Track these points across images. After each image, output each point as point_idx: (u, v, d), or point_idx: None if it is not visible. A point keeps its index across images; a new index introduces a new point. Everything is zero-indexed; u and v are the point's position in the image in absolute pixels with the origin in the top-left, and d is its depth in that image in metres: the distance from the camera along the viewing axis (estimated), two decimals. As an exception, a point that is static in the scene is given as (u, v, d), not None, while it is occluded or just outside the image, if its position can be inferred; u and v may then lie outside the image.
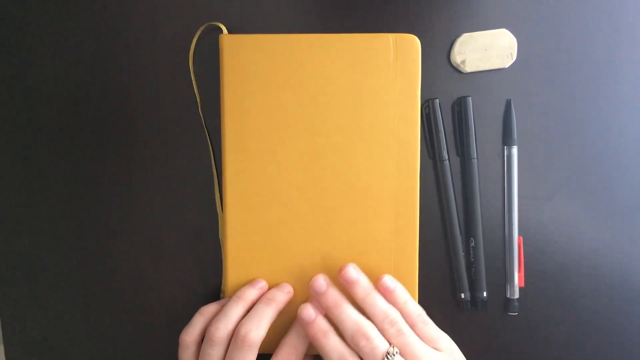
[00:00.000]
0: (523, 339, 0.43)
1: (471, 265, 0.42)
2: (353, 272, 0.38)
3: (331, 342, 0.36)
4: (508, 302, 0.43)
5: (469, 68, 0.41)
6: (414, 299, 0.40)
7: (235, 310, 0.38)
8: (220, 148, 0.41)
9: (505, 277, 0.43)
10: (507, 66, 0.41)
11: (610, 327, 0.43)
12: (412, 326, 0.37)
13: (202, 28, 0.42)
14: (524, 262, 0.43)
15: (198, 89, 0.42)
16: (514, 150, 0.42)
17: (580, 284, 0.43)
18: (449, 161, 0.42)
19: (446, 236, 0.42)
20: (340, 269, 0.38)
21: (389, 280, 0.38)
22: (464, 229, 0.43)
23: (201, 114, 0.43)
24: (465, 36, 0.41)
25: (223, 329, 0.37)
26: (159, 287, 0.44)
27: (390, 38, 0.40)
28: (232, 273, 0.41)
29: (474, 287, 0.42)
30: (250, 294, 0.39)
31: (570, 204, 0.43)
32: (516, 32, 0.41)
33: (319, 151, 0.40)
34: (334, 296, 0.37)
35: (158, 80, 0.43)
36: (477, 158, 0.42)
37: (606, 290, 0.43)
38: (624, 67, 0.42)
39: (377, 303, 0.37)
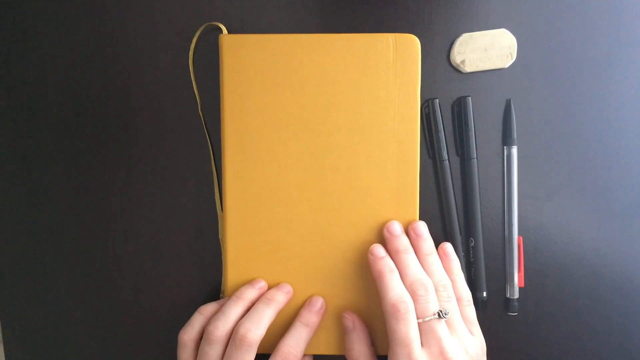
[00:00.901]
0: (523, 339, 0.43)
1: (471, 265, 0.42)
2: (424, 229, 0.40)
3: (395, 280, 0.37)
4: (508, 302, 0.43)
5: (468, 68, 0.41)
6: None
7: (234, 310, 0.38)
8: (220, 148, 0.41)
9: (505, 277, 0.43)
10: (507, 66, 0.41)
11: (610, 327, 0.43)
12: (458, 300, 0.39)
13: (201, 28, 0.42)
14: (524, 262, 0.43)
15: (198, 89, 0.42)
16: (514, 150, 0.42)
17: (580, 284, 0.43)
18: (449, 161, 0.42)
19: (446, 236, 0.42)
20: (413, 223, 0.40)
21: (449, 248, 0.40)
22: (464, 229, 0.43)
23: (201, 114, 0.43)
24: (465, 36, 0.41)
25: (222, 328, 0.37)
26: (159, 287, 0.44)
27: (390, 38, 0.40)
28: (232, 273, 0.41)
29: (474, 287, 0.42)
30: (249, 293, 0.39)
31: (570, 204, 0.43)
32: (516, 32, 0.41)
33: (318, 151, 0.40)
34: (405, 242, 0.39)
35: (158, 80, 0.43)
36: (477, 158, 0.42)
37: (606, 290, 0.43)
38: (624, 67, 0.42)
39: (437, 264, 0.39)
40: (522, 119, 0.42)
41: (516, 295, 0.43)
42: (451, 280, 0.39)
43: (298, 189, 0.40)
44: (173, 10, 0.42)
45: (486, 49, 0.41)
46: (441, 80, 0.42)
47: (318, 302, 0.40)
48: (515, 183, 0.42)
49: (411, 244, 0.39)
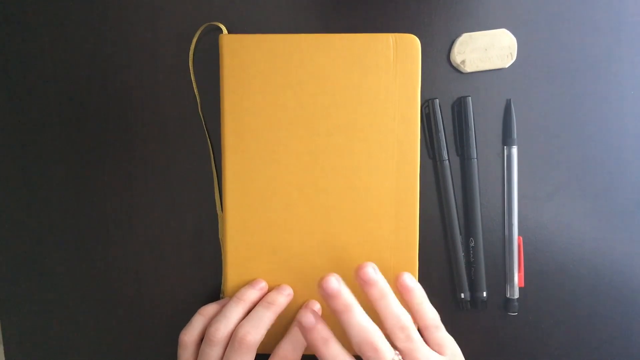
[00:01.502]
0: (523, 339, 0.43)
1: (471, 265, 0.42)
2: (372, 273, 0.36)
3: (331, 351, 0.34)
4: (508, 302, 0.43)
5: (468, 68, 0.41)
6: None
7: (235, 312, 0.38)
8: (220, 148, 0.41)
9: (505, 277, 0.43)
10: (507, 66, 0.41)
11: (610, 327, 0.43)
12: (424, 329, 0.37)
13: (201, 28, 0.42)
14: (524, 262, 0.43)
15: (198, 89, 0.42)
16: (514, 150, 0.42)
17: (580, 284, 0.43)
18: (449, 161, 0.42)
19: (446, 236, 0.42)
20: (358, 268, 0.36)
21: (408, 279, 0.39)
22: (463, 229, 0.43)
23: (201, 114, 0.43)
24: (465, 36, 0.41)
25: (222, 330, 0.37)
26: (159, 287, 0.44)
27: (390, 38, 0.40)
28: (232, 273, 0.41)
29: (473, 287, 0.42)
30: (250, 294, 0.39)
31: (570, 204, 0.43)
32: (516, 32, 0.41)
33: (318, 151, 0.40)
34: (345, 299, 0.35)
35: (158, 80, 0.43)
36: (477, 158, 0.42)
37: (606, 290, 0.43)
38: (624, 67, 0.42)
39: (391, 306, 0.36)
40: (522, 119, 0.42)
41: (516, 295, 0.43)
42: (414, 311, 0.37)
43: (298, 189, 0.40)
44: (173, 10, 0.42)
45: (486, 49, 0.41)
46: (441, 80, 0.42)
47: (315, 306, 0.40)
48: (515, 183, 0.42)
49: (363, 289, 0.36)
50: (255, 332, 0.37)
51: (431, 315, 0.38)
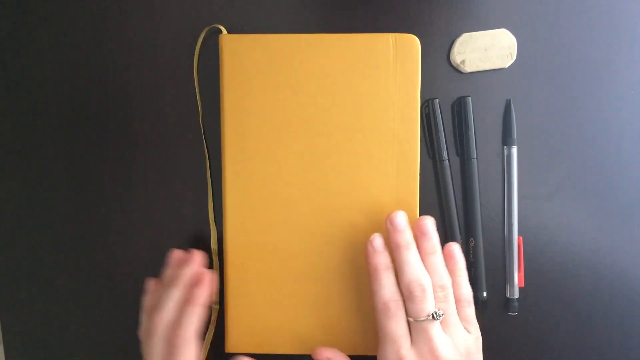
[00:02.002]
0: (523, 339, 0.43)
1: (471, 265, 0.42)
2: (431, 226, 0.38)
3: (387, 279, 0.37)
4: (508, 302, 0.43)
5: (468, 68, 0.41)
6: None
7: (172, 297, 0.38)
8: (220, 149, 0.41)
9: (505, 277, 0.43)
10: (506, 66, 0.41)
11: (610, 327, 0.43)
12: (457, 301, 0.38)
13: (203, 33, 0.42)
14: (524, 262, 0.43)
15: (198, 88, 0.42)
16: (514, 150, 0.42)
17: (580, 284, 0.43)
18: (449, 161, 0.42)
19: (446, 236, 0.42)
20: (419, 219, 0.38)
21: (456, 249, 0.39)
22: (463, 229, 0.43)
23: (201, 124, 0.42)
24: (465, 36, 0.41)
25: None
26: (159, 287, 0.44)
27: (390, 38, 0.40)
28: (232, 273, 0.41)
29: (474, 287, 0.42)
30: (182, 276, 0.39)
31: (570, 204, 0.43)
32: (516, 32, 0.41)
33: (318, 151, 0.40)
34: (407, 237, 0.37)
35: (158, 80, 0.43)
36: (477, 158, 0.42)
37: (606, 290, 0.43)
38: (624, 67, 0.42)
39: (439, 263, 0.38)
40: (522, 119, 0.42)
41: (516, 295, 0.43)
42: (453, 280, 0.38)
43: (298, 189, 0.40)
44: (173, 11, 0.42)
45: (486, 49, 0.41)
46: (441, 80, 0.42)
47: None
48: (515, 183, 0.42)
49: (418, 239, 0.38)
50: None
51: (467, 290, 0.39)
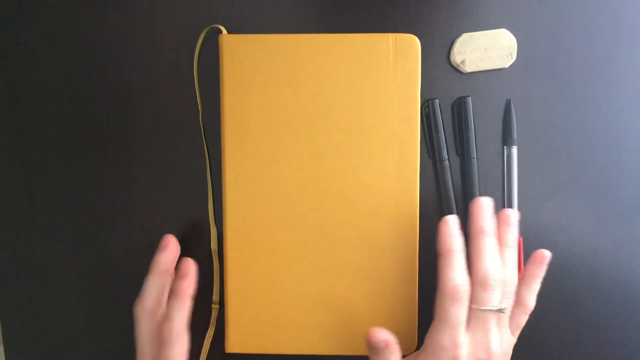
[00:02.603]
0: (523, 339, 0.43)
1: (471, 265, 0.42)
2: (515, 219, 0.38)
3: (459, 263, 0.36)
4: (508, 302, 0.43)
5: (468, 68, 0.41)
6: (413, 307, 0.41)
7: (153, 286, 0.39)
8: (220, 150, 0.41)
9: (505, 277, 0.43)
10: (507, 66, 0.41)
11: (610, 327, 0.43)
12: (520, 305, 0.38)
13: (203, 33, 0.42)
14: (524, 262, 0.43)
15: (200, 95, 0.42)
16: (514, 150, 0.42)
17: (580, 284, 0.43)
18: (449, 161, 0.42)
19: (446, 236, 0.42)
20: (506, 210, 0.38)
21: (546, 252, 0.39)
22: (464, 229, 0.43)
23: (201, 124, 0.42)
24: (465, 36, 0.41)
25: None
26: (159, 287, 0.44)
27: (390, 38, 0.40)
28: (232, 273, 0.41)
29: (474, 287, 0.42)
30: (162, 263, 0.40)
31: (570, 204, 0.43)
32: (516, 32, 0.41)
33: (318, 151, 0.40)
34: (492, 224, 0.37)
35: (158, 80, 0.43)
36: (477, 158, 0.42)
37: (606, 290, 0.43)
38: (624, 67, 0.42)
39: (513, 260, 0.38)
40: (522, 119, 0.42)
41: (516, 295, 0.43)
42: (529, 286, 0.38)
43: (298, 189, 0.40)
44: (173, 11, 0.42)
45: (486, 49, 0.41)
46: (441, 80, 0.42)
47: (191, 267, 0.39)
48: (515, 183, 0.42)
49: (501, 227, 0.38)
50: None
51: (533, 301, 0.38)
